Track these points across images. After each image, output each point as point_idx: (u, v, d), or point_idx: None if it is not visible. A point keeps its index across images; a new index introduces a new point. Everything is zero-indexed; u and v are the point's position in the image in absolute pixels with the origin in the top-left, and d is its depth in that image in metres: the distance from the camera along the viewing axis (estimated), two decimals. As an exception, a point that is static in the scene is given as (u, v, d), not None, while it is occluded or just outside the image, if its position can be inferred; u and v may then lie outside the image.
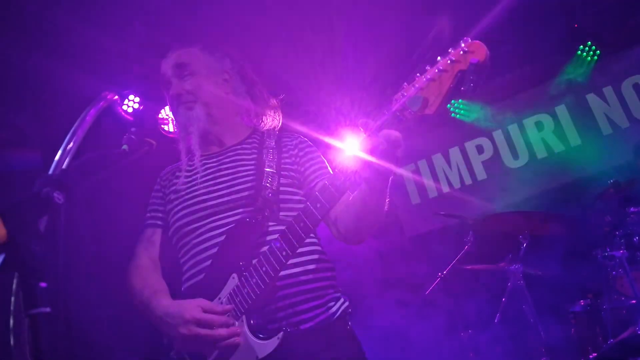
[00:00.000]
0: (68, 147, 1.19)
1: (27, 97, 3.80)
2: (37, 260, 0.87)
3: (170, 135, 4.54)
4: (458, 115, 5.98)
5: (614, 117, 5.31)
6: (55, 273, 0.91)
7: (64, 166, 1.13)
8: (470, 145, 6.00)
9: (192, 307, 1.60)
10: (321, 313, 1.74)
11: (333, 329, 1.75)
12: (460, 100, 5.94)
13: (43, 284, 0.87)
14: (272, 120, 2.06)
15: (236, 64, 2.06)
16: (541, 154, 5.62)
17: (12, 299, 0.91)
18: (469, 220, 4.63)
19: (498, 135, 5.89)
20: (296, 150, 1.93)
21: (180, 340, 1.61)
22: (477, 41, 1.31)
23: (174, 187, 1.95)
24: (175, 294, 1.82)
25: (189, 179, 1.93)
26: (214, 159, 1.94)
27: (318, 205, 1.52)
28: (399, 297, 5.07)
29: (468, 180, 5.96)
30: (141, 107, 3.91)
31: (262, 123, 2.06)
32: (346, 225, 1.72)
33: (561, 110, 5.58)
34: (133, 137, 1.47)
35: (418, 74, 1.39)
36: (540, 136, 5.63)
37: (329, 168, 1.90)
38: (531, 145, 5.69)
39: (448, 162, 6.07)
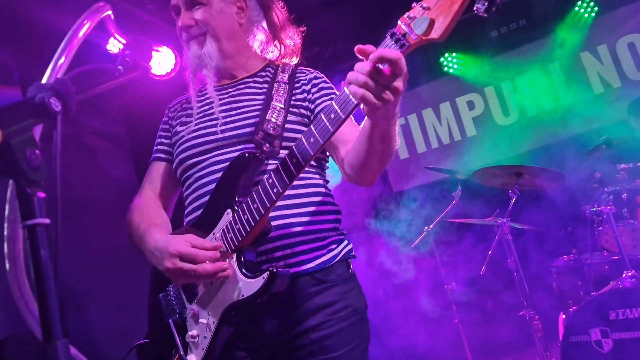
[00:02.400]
0: (59, 62, 1.10)
1: (6, 34, 3.61)
2: (34, 169, 0.80)
3: (156, 78, 4.39)
4: (451, 70, 5.90)
5: (607, 77, 5.29)
6: (53, 185, 0.85)
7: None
8: (461, 101, 5.96)
9: (179, 242, 1.54)
10: (322, 255, 1.68)
11: (333, 272, 1.69)
12: (454, 54, 5.85)
13: (42, 194, 0.81)
14: (289, 53, 1.94)
15: None
16: (532, 111, 5.60)
17: (7, 208, 0.85)
18: (458, 175, 4.63)
19: (489, 91, 5.84)
20: (309, 86, 1.81)
21: (167, 274, 1.58)
22: None
23: (180, 120, 1.87)
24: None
25: (196, 112, 1.83)
26: (224, 91, 1.84)
27: (311, 139, 1.41)
28: (385, 251, 5.12)
29: (457, 137, 5.94)
30: (127, 52, 3.74)
31: (279, 56, 1.93)
32: (352, 166, 1.62)
33: (554, 68, 5.54)
34: (127, 59, 1.37)
35: None
36: (532, 94, 5.60)
37: None
38: (522, 102, 5.67)
39: (438, 117, 6.04)
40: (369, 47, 1.27)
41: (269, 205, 1.50)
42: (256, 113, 1.73)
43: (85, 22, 1.18)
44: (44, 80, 0.99)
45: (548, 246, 4.18)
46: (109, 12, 1.27)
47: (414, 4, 1.25)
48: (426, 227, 4.76)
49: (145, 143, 4.97)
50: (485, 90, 5.85)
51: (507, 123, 5.70)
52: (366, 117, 1.40)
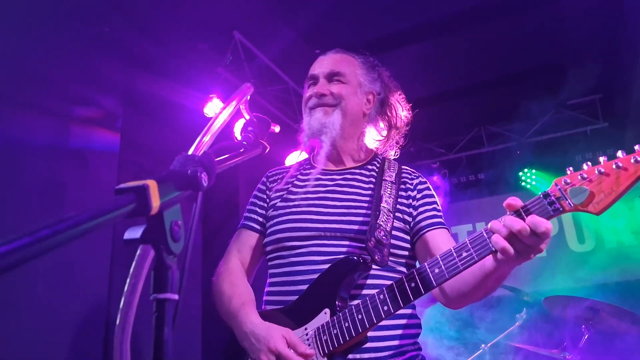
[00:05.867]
0: (205, 139, 1.13)
1: (119, 82, 3.89)
2: (175, 240, 0.79)
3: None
4: (528, 186, 5.78)
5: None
6: (183, 260, 0.84)
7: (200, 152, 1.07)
8: (535, 219, 5.77)
9: (278, 338, 1.51)
10: None
11: None
12: (534, 170, 5.76)
13: (175, 268, 0.79)
14: (393, 148, 1.99)
15: (384, 91, 1.99)
16: (610, 243, 5.33)
17: (130, 273, 0.84)
18: (525, 296, 4.38)
19: (566, 215, 5.63)
20: (415, 192, 1.80)
21: None
22: None
23: (280, 194, 1.86)
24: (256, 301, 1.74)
25: (300, 190, 1.83)
26: (330, 177, 1.85)
27: (436, 270, 1.39)
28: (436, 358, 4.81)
29: (526, 254, 5.71)
30: (250, 129, 3.92)
31: (386, 153, 1.99)
32: (452, 292, 1.59)
33: None
34: (250, 135, 1.40)
35: (588, 163, 1.27)
36: (612, 225, 5.36)
37: (442, 219, 1.78)
38: (600, 232, 5.42)
39: (508, 231, 5.85)
40: (517, 202, 1.28)
41: (375, 322, 1.47)
42: (365, 211, 1.72)
43: (233, 102, 1.22)
44: (190, 152, 1.01)
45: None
46: (252, 90, 1.32)
47: (571, 170, 1.27)
48: (483, 345, 4.48)
49: (216, 205, 5.07)
50: (562, 212, 5.66)
51: (582, 250, 5.44)
52: (491, 258, 1.36)
